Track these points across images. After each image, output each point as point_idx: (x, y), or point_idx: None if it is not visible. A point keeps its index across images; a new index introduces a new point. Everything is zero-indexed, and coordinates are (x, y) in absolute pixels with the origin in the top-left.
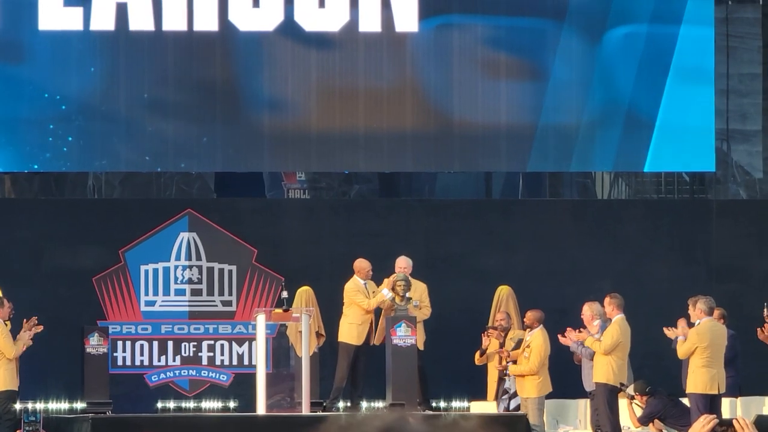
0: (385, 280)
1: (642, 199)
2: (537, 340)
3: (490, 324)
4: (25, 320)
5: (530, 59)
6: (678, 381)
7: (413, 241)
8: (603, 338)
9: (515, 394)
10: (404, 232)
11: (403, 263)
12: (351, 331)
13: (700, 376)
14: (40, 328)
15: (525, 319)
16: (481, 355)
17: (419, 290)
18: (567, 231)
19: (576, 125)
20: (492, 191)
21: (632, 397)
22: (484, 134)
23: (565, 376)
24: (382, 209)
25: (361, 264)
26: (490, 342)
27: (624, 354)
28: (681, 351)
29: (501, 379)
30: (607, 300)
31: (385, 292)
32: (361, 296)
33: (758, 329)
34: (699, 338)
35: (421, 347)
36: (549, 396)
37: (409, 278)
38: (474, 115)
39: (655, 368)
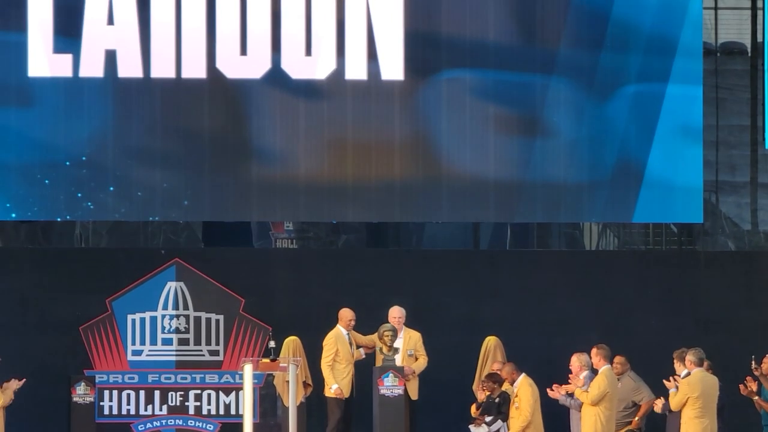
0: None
1: (630, 250)
2: (524, 388)
3: (478, 375)
4: (13, 378)
5: (519, 112)
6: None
7: (401, 291)
8: (590, 389)
9: None
10: (392, 282)
11: (396, 313)
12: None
13: (693, 427)
14: (23, 382)
15: (504, 376)
16: (478, 408)
17: (414, 339)
18: (555, 282)
19: (564, 177)
20: (480, 242)
21: None
22: (473, 185)
23: (555, 426)
24: (370, 259)
25: (343, 313)
26: (485, 395)
27: (611, 405)
28: (673, 403)
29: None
30: (594, 351)
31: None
32: (328, 349)
33: (740, 385)
34: (690, 389)
35: (414, 397)
36: None
37: (396, 328)
38: (462, 166)
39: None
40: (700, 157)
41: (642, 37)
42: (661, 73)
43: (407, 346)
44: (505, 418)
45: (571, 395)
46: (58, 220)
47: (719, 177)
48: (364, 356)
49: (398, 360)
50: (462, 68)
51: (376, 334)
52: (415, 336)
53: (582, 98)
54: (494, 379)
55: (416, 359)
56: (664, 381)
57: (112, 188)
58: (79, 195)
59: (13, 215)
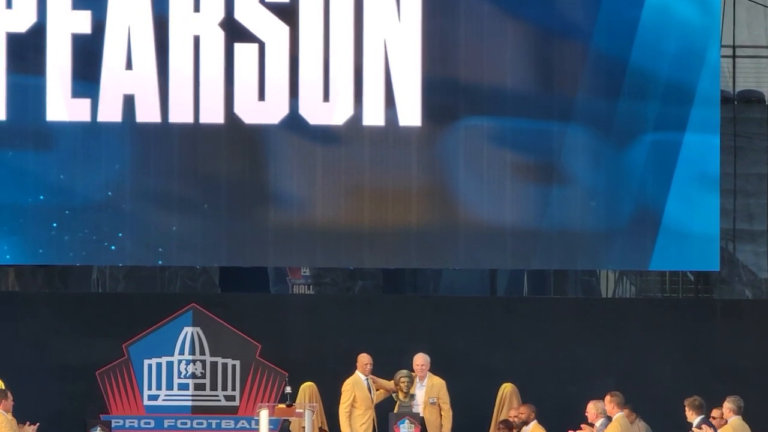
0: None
1: (646, 298)
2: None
3: (494, 422)
4: (28, 423)
5: (536, 159)
6: None
7: (417, 337)
8: None
9: None
10: (408, 328)
11: (420, 360)
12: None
13: None
14: (37, 426)
15: (520, 415)
16: None
17: (437, 386)
18: (571, 329)
19: (581, 224)
20: (497, 288)
21: None
22: (490, 232)
23: None
24: (387, 305)
25: (361, 358)
26: None
27: None
28: None
29: None
30: (607, 398)
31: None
32: (346, 395)
33: None
34: None
35: None
36: None
37: (412, 375)
38: (479, 213)
39: None
40: (716, 205)
41: (660, 85)
42: (678, 122)
43: (430, 394)
44: None
45: None
46: (76, 264)
47: (736, 225)
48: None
49: (419, 407)
50: (479, 115)
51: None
52: (439, 383)
53: (599, 146)
54: (508, 425)
55: (439, 408)
56: (696, 430)
57: (129, 233)
58: (96, 239)
59: (31, 259)
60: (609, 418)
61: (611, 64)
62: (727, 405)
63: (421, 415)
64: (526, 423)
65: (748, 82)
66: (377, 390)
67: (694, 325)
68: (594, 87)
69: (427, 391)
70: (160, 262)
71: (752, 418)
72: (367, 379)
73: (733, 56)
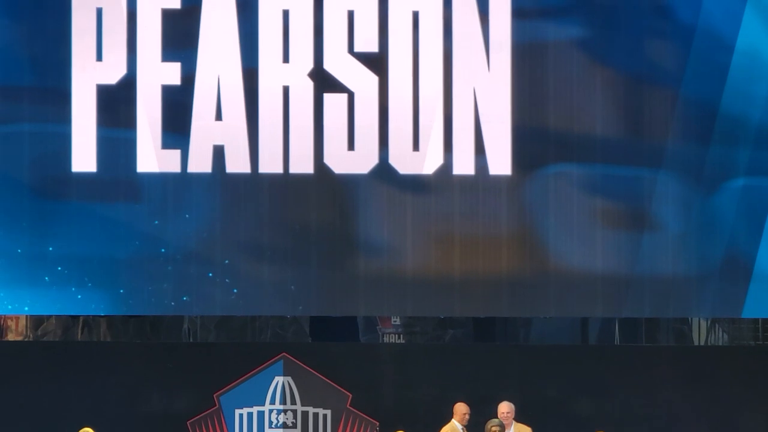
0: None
1: (739, 346)
2: None
3: None
4: None
5: (626, 206)
6: None
7: (508, 386)
8: None
9: None
10: (499, 377)
11: (505, 408)
12: None
13: None
14: None
15: None
16: None
17: None
18: (663, 377)
19: (672, 271)
20: (588, 336)
21: None
22: (580, 279)
23: None
24: (477, 354)
25: (458, 407)
26: None
27: None
28: None
29: None
30: None
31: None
32: None
33: None
34: None
35: None
36: None
37: (504, 424)
38: (569, 260)
39: None
40: None
41: (751, 130)
42: None
43: None
44: None
45: None
46: (167, 314)
47: None
48: None
49: None
50: (569, 162)
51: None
52: (525, 431)
53: (690, 192)
54: None
55: None
56: None
57: (220, 282)
58: (187, 289)
59: (122, 310)
60: None
61: (701, 109)
62: None
63: None
64: None
65: None
66: None
67: None
68: (684, 133)
69: None
70: (255, 313)
71: None
72: (463, 428)
73: None
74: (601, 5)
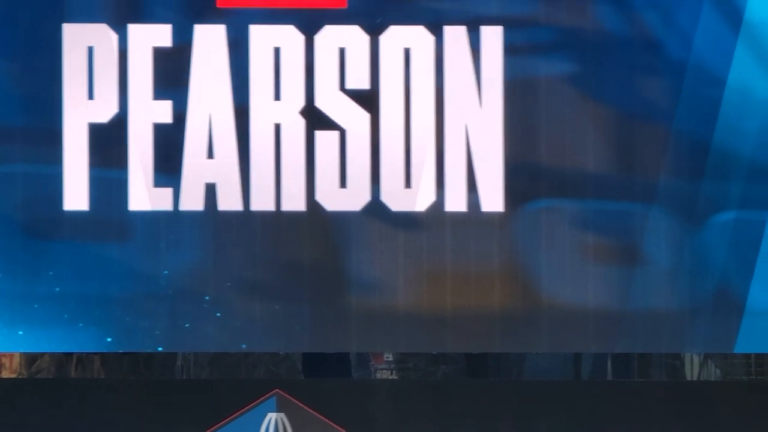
0: None
1: (732, 381)
2: None
3: None
4: None
5: (618, 241)
6: None
7: (502, 421)
8: None
9: None
10: (492, 412)
11: None
12: None
13: None
14: None
15: None
16: None
17: None
18: (656, 412)
19: (665, 307)
20: (581, 372)
21: None
22: (572, 315)
23: None
24: (470, 390)
25: None
26: None
27: None
28: None
29: None
30: None
31: None
32: None
33: None
34: None
35: None
36: None
37: None
38: (562, 296)
39: None
40: None
41: (743, 165)
42: (762, 201)
43: None
44: None
45: None
46: (160, 351)
47: None
48: None
49: None
50: (561, 198)
51: None
52: None
53: (681, 227)
54: None
55: None
56: None
57: (212, 319)
58: (180, 326)
59: (116, 347)
60: None
61: (693, 145)
62: None
63: None
64: None
65: None
66: None
67: None
68: (676, 168)
69: None
70: (243, 347)
71: None
72: None
73: None
74: (592, 41)
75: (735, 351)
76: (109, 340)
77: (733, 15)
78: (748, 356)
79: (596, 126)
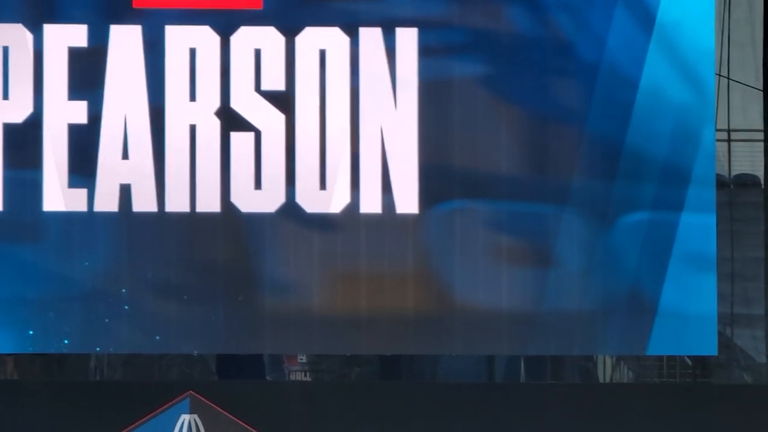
0: None
1: (644, 383)
2: None
3: None
4: None
5: (532, 244)
6: None
7: (415, 424)
8: None
9: None
10: (406, 415)
11: None
12: None
13: None
14: None
15: None
16: None
17: None
18: (569, 415)
19: (578, 309)
20: (494, 374)
21: None
22: (486, 317)
23: None
24: (384, 392)
25: None
26: None
27: None
28: None
29: None
30: None
31: None
32: None
33: None
34: None
35: None
36: None
37: None
38: (476, 299)
39: None
40: (714, 287)
41: (655, 167)
42: (674, 203)
43: None
44: None
45: None
46: (73, 352)
47: (734, 310)
48: None
49: None
50: (474, 199)
51: None
52: None
53: (594, 229)
54: None
55: None
56: None
57: (126, 320)
58: (94, 327)
59: (29, 348)
60: None
61: (606, 146)
62: None
63: None
64: None
65: (743, 166)
66: None
67: (692, 410)
68: (589, 170)
69: None
70: (157, 338)
71: None
72: None
73: (728, 140)
74: (505, 43)
75: (647, 353)
76: (21, 341)
77: (645, 17)
78: (660, 358)
79: (509, 127)
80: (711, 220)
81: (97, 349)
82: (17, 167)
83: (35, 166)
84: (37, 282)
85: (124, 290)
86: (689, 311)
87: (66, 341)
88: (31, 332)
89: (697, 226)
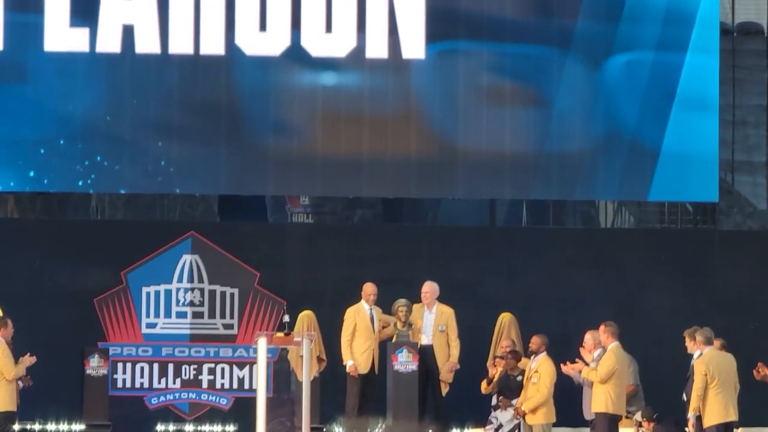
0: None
1: (645, 229)
2: (545, 365)
3: (492, 351)
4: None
5: (535, 86)
6: (681, 408)
7: (416, 267)
8: (599, 367)
9: (500, 426)
10: (407, 257)
11: (426, 288)
12: (354, 359)
13: (716, 405)
14: (34, 360)
15: (531, 344)
16: (488, 384)
17: (446, 315)
18: (570, 259)
19: (580, 153)
20: (496, 218)
21: (639, 424)
22: (488, 161)
23: (565, 404)
24: (385, 235)
25: (365, 288)
26: (497, 371)
27: (621, 382)
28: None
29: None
30: (602, 328)
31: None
32: (346, 323)
33: (753, 371)
34: (704, 368)
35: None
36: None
37: (410, 303)
38: (478, 142)
39: (656, 396)
40: (716, 129)
41: (660, 9)
42: (679, 43)
43: (439, 322)
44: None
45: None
46: (75, 191)
47: (736, 156)
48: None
49: (429, 335)
50: (479, 41)
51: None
52: (448, 312)
53: (599, 70)
54: (516, 357)
55: (447, 336)
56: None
57: (128, 160)
58: (95, 167)
59: (31, 186)
60: (604, 349)
61: None
62: (698, 338)
63: (428, 342)
64: (535, 353)
65: (748, 13)
66: (383, 327)
67: (692, 256)
68: (593, 12)
69: (436, 319)
70: (163, 191)
71: (749, 348)
72: (371, 309)
73: None
74: None
75: (649, 199)
76: (23, 179)
77: None
78: (661, 204)
79: None
80: (714, 61)
81: (96, 190)
82: (19, 8)
83: (37, 8)
84: (38, 122)
85: (126, 131)
86: (691, 155)
87: (67, 180)
88: (31, 171)
89: (700, 68)
